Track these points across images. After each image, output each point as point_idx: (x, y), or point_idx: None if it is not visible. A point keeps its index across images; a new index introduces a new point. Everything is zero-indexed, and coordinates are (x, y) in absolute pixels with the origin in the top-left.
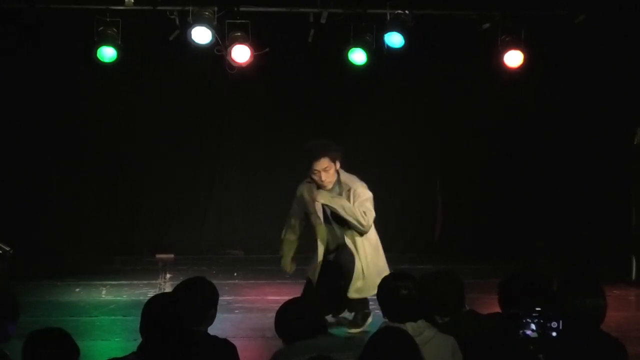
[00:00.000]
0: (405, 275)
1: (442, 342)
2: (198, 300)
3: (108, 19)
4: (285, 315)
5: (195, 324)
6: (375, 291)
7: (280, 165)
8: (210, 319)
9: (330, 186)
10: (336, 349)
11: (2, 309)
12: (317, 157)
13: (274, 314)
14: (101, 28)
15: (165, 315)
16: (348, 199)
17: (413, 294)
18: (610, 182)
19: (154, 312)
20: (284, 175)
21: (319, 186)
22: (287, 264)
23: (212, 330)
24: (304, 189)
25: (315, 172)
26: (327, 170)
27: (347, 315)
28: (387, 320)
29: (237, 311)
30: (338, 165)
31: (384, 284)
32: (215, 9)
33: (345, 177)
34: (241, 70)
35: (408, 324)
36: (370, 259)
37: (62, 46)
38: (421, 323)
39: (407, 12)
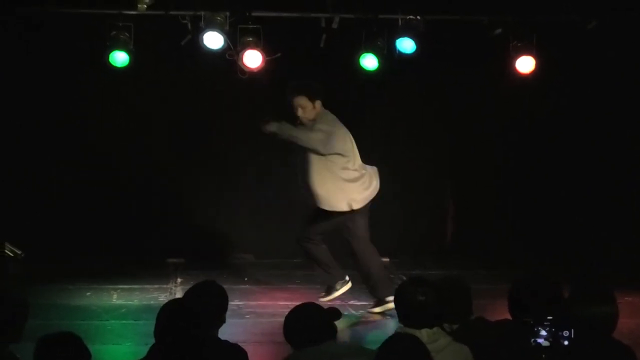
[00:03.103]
0: (423, 281)
1: (456, 350)
2: (209, 304)
3: (120, 24)
4: (295, 320)
5: (207, 329)
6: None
7: (291, 170)
8: (221, 323)
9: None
10: (347, 354)
11: (13, 310)
12: (296, 94)
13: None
14: (113, 33)
15: (179, 320)
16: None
17: (430, 301)
18: (624, 187)
19: (168, 317)
20: (295, 179)
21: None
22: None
23: (223, 335)
24: None
25: (294, 107)
26: (303, 108)
27: None
28: (402, 325)
29: (247, 316)
30: (318, 105)
31: (402, 289)
32: (227, 14)
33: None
34: (253, 75)
35: (424, 330)
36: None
37: (74, 51)
38: (437, 330)
39: (418, 17)
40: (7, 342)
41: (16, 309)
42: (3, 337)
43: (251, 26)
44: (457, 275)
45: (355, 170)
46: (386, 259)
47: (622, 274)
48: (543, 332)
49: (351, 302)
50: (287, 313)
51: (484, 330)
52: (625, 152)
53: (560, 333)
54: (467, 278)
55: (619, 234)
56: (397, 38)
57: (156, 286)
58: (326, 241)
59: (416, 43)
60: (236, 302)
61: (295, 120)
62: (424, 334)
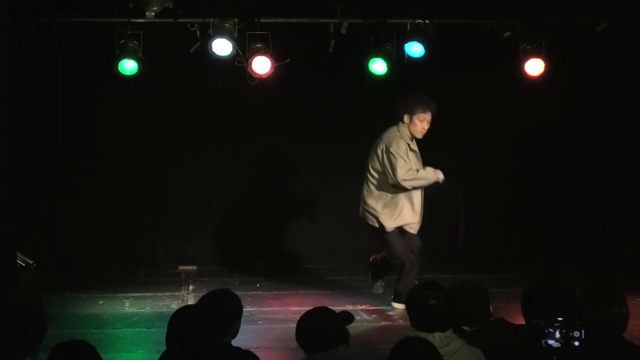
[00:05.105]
0: (435, 285)
1: (469, 354)
2: (223, 312)
3: (129, 32)
4: (307, 325)
5: (220, 336)
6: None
7: (302, 175)
8: (235, 331)
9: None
10: (360, 359)
11: (29, 324)
12: (433, 110)
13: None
14: (122, 41)
15: (191, 327)
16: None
17: (442, 304)
18: (629, 190)
19: (180, 324)
20: (305, 185)
21: (415, 135)
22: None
23: (235, 341)
24: (408, 142)
25: (424, 120)
26: (429, 123)
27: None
28: (414, 329)
29: (260, 322)
30: None
31: (413, 293)
32: (236, 20)
33: None
34: (262, 81)
35: (436, 334)
36: None
37: (84, 59)
38: (449, 334)
39: (427, 21)
40: (23, 355)
41: (34, 323)
42: (19, 350)
43: (260, 32)
44: (473, 279)
45: None
46: None
47: (631, 275)
48: (554, 334)
49: (363, 306)
50: (299, 318)
51: (503, 333)
52: (632, 154)
53: (571, 334)
54: (480, 282)
55: (625, 236)
56: (406, 42)
57: (168, 294)
58: None
59: (425, 47)
60: (248, 309)
61: (415, 134)
62: (436, 337)
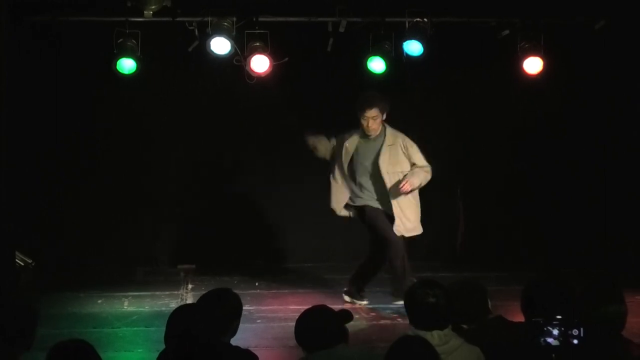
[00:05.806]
0: (434, 283)
1: (467, 352)
2: (223, 311)
3: (127, 31)
4: (306, 323)
5: (219, 335)
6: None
7: (300, 175)
8: (234, 331)
9: (375, 134)
10: (359, 358)
11: (22, 319)
12: (370, 106)
13: None
14: (120, 40)
15: (190, 326)
16: (400, 147)
17: (441, 302)
18: (629, 189)
19: (179, 323)
20: (303, 183)
21: (365, 132)
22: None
23: (234, 340)
24: (349, 138)
25: (366, 119)
26: (375, 119)
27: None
28: (413, 327)
29: (259, 321)
30: (384, 116)
31: (412, 291)
32: (234, 19)
33: (392, 130)
34: (260, 80)
35: (435, 332)
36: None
37: (82, 58)
38: (448, 332)
39: (425, 20)
40: (19, 351)
41: (25, 318)
42: (14, 347)
43: (258, 31)
44: (471, 277)
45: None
46: None
47: (631, 275)
48: (553, 332)
49: (362, 305)
50: (298, 317)
51: (501, 331)
52: (631, 154)
53: (570, 332)
54: (479, 280)
55: (625, 236)
56: (405, 41)
57: (167, 293)
58: None
59: (424, 45)
60: (247, 307)
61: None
62: (435, 335)
